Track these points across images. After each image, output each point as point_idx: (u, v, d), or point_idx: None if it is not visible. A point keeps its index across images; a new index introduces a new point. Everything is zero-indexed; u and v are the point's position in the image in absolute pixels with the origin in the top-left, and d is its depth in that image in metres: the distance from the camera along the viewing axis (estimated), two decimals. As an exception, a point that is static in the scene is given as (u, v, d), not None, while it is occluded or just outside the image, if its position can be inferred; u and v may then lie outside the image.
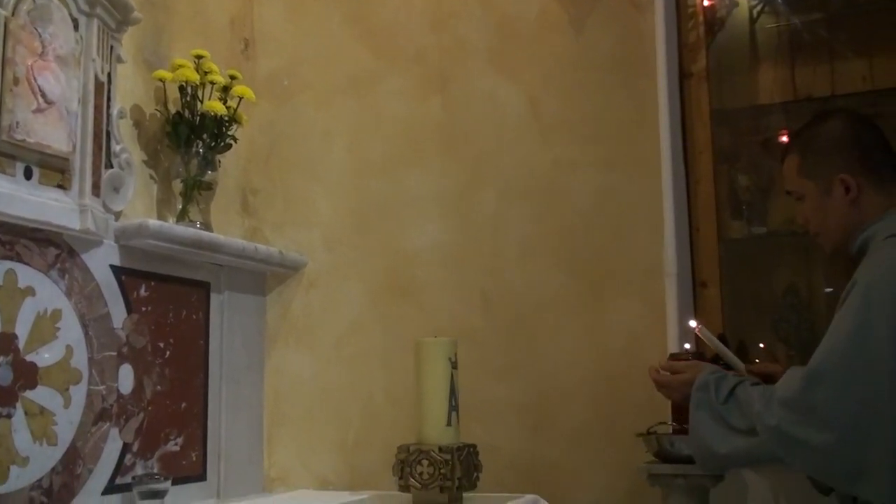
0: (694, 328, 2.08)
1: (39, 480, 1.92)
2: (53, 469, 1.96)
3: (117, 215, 2.21)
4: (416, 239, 2.67)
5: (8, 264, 1.90)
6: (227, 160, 2.56)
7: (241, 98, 2.46)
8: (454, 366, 2.18)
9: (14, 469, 1.86)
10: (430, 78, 2.73)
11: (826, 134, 1.84)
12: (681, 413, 2.25)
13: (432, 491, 2.09)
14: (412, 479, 2.10)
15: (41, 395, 1.94)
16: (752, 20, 2.84)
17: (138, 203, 2.32)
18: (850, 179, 1.77)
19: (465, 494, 2.15)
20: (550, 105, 2.62)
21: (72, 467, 2.00)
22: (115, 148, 2.20)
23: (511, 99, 2.65)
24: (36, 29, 1.97)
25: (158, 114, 2.40)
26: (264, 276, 2.69)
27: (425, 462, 2.10)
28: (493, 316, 2.58)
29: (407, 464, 2.11)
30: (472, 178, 2.66)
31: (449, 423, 2.14)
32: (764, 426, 1.62)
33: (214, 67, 2.41)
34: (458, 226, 2.65)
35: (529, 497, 2.19)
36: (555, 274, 2.54)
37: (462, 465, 2.12)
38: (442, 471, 2.09)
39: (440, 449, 2.10)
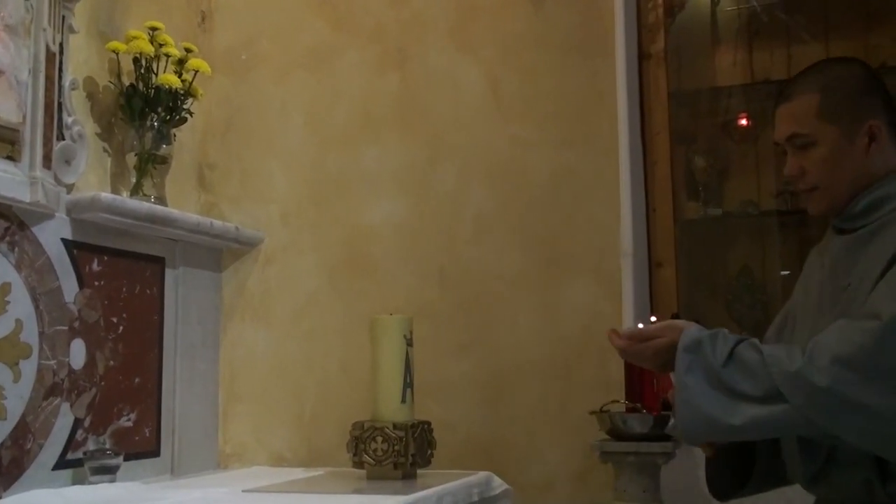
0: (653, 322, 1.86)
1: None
2: (2, 444, 1.93)
3: (69, 188, 2.18)
4: (374, 215, 2.66)
5: (-45, 236, 1.88)
6: (182, 134, 2.54)
7: (196, 71, 2.42)
8: (409, 343, 2.19)
9: (-39, 443, 1.84)
10: (389, 53, 2.71)
11: (852, 75, 1.63)
12: (633, 389, 2.29)
13: (386, 467, 2.10)
14: (366, 456, 2.11)
15: (-10, 368, 1.92)
16: (713, 2, 2.86)
17: (91, 176, 2.29)
18: (880, 127, 1.58)
19: (419, 471, 2.16)
20: (509, 83, 2.62)
21: (21, 442, 1.98)
22: (67, 120, 2.16)
23: (470, 76, 2.65)
24: (-16, -4, 1.93)
25: (112, 86, 2.37)
26: (220, 252, 2.67)
27: (379, 439, 2.11)
28: (449, 293, 2.58)
29: (361, 440, 2.12)
30: (430, 154, 2.65)
31: (403, 401, 2.15)
32: (804, 389, 1.39)
33: (169, 40, 2.37)
34: (416, 202, 2.65)
35: (483, 474, 2.20)
36: (512, 252, 2.55)
37: (416, 442, 2.13)
38: (396, 447, 2.10)
39: (394, 426, 2.11)
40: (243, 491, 2.06)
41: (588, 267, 2.48)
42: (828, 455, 1.52)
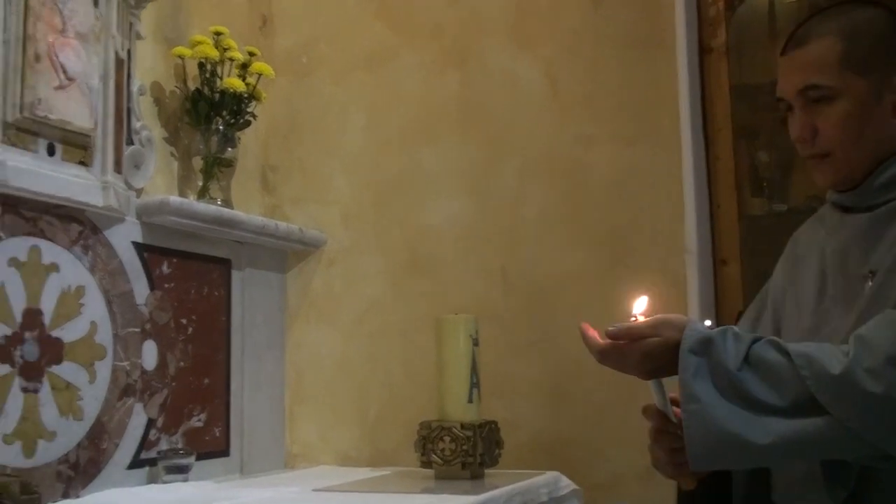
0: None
1: (66, 454, 1.94)
2: (79, 444, 1.97)
3: (138, 192, 2.21)
4: (435, 215, 2.66)
5: (32, 241, 1.91)
6: (246, 137, 2.56)
7: (260, 75, 2.45)
8: (475, 342, 2.19)
9: (41, 443, 1.87)
10: (448, 53, 2.72)
11: (882, 20, 1.37)
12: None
13: (454, 467, 2.10)
14: (434, 456, 2.12)
15: (67, 370, 1.96)
16: (773, -6, 2.82)
17: (159, 180, 2.32)
18: None
19: (486, 471, 2.16)
20: (569, 80, 2.61)
21: (97, 442, 2.02)
22: (136, 125, 2.20)
23: (529, 73, 2.64)
24: (56, 5, 1.96)
25: (178, 91, 2.40)
26: (285, 254, 2.69)
27: (447, 438, 2.11)
28: (512, 293, 2.58)
29: (429, 440, 2.12)
30: (490, 153, 2.65)
31: (470, 400, 2.15)
32: (850, 396, 1.13)
33: (233, 44, 2.40)
34: (477, 202, 2.64)
35: (551, 474, 2.19)
36: (574, 250, 2.54)
37: (484, 442, 2.13)
38: (464, 447, 2.10)
39: (462, 425, 2.11)
40: (313, 490, 2.07)
41: (652, 265, 2.46)
42: (862, 477, 1.24)
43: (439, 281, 2.63)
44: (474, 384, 2.16)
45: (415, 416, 2.21)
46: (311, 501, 1.99)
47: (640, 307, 1.35)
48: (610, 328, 1.32)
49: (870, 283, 1.31)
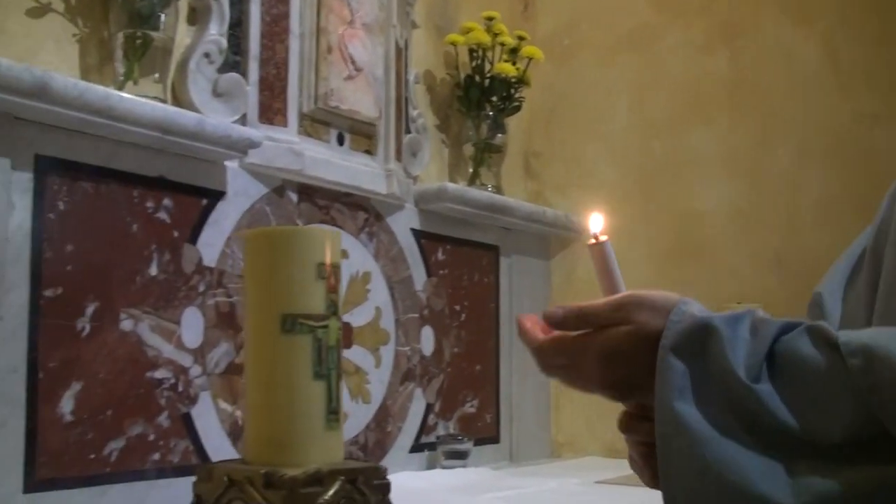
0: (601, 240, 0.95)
1: (356, 437, 1.99)
2: (367, 426, 2.02)
3: (414, 179, 2.24)
4: (704, 200, 2.54)
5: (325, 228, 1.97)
6: (509, 123, 2.55)
7: (529, 59, 2.42)
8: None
9: (337, 425, 1.93)
10: (716, 30, 2.58)
11: None
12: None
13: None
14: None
15: (355, 354, 2.01)
16: None
17: (432, 167, 2.35)
18: None
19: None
20: (849, 54, 2.41)
21: (383, 425, 2.06)
22: (413, 113, 2.23)
23: (805, 49, 2.46)
24: (345, -3, 2.01)
25: (449, 78, 2.41)
26: (548, 240, 2.66)
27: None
28: (788, 280, 2.42)
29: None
30: (763, 134, 2.50)
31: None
32: None
33: (504, 29, 2.38)
34: (749, 186, 2.50)
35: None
36: (858, 237, 2.35)
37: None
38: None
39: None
40: (595, 482, 2.03)
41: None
42: None
43: (708, 268, 2.51)
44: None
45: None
46: (596, 494, 1.94)
47: (596, 224, 0.92)
48: (549, 310, 0.83)
49: None
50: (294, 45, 1.88)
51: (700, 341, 0.75)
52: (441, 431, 2.22)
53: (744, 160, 2.52)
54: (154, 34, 1.59)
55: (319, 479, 1.02)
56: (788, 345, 0.73)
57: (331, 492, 1.00)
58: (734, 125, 2.53)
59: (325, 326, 1.07)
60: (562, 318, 0.82)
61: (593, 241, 0.90)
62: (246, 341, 1.07)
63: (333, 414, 1.07)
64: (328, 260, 1.06)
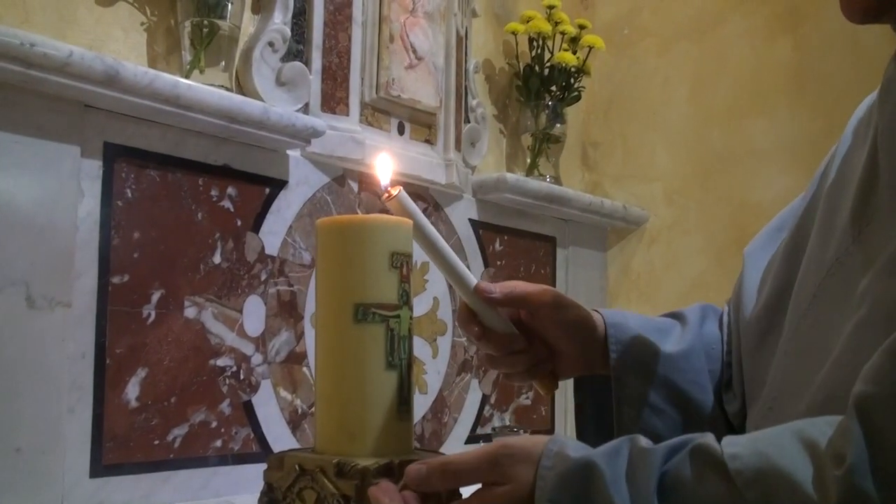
0: (392, 194, 0.96)
1: (413, 426, 1.98)
2: (424, 416, 2.02)
3: (473, 170, 2.23)
4: (764, 192, 2.50)
5: (385, 218, 1.96)
6: (568, 113, 2.52)
7: (590, 48, 2.39)
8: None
9: (395, 415, 1.93)
10: (780, 17, 2.53)
11: None
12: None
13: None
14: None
15: (414, 344, 2.00)
16: None
17: (490, 157, 2.33)
18: None
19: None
20: (922, 42, 2.35)
21: (440, 415, 2.06)
22: (472, 103, 2.21)
23: (871, 35, 2.40)
24: (405, -14, 2.00)
25: (508, 67, 2.39)
26: (605, 231, 2.64)
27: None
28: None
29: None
30: (827, 125, 2.44)
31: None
32: None
33: (565, 17, 2.36)
34: (809, 178, 2.45)
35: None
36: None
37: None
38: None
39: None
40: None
41: None
42: None
43: (769, 262, 2.47)
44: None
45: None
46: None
47: (385, 174, 0.91)
48: (412, 468, 0.79)
49: None
50: (356, 33, 1.88)
51: (581, 483, 0.69)
52: (496, 423, 2.21)
53: (805, 151, 2.46)
54: (220, 23, 1.59)
55: (391, 470, 1.01)
56: (677, 477, 0.67)
57: (402, 483, 1.00)
58: (796, 115, 2.48)
59: (398, 316, 1.06)
60: (425, 476, 0.76)
61: (387, 195, 0.90)
62: (317, 330, 1.07)
63: (405, 405, 1.07)
64: (401, 249, 1.05)
